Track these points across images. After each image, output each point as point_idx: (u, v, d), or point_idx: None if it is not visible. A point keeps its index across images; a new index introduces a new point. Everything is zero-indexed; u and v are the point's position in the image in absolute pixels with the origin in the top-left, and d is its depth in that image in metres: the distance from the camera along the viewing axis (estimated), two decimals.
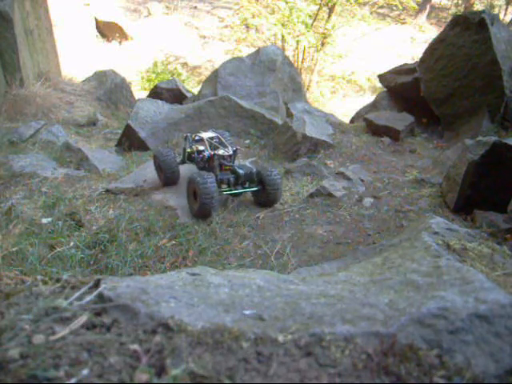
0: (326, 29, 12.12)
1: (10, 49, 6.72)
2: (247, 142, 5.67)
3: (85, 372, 0.64)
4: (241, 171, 3.63)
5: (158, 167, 4.02)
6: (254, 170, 3.69)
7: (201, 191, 3.25)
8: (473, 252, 1.27)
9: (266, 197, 3.65)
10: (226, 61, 7.63)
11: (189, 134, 4.09)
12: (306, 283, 1.13)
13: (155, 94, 8.11)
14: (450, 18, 7.24)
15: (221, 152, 3.70)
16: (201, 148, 3.86)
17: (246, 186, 3.69)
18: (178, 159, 4.08)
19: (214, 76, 7.35)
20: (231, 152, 3.73)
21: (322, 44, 12.57)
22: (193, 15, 17.72)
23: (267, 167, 3.80)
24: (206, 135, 3.96)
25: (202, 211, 3.37)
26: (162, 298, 0.87)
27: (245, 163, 4.29)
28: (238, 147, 4.03)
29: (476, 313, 0.84)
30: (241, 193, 3.72)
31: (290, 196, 3.96)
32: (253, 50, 9.15)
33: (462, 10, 17.80)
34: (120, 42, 15.15)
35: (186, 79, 13.47)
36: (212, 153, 3.68)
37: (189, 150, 4.03)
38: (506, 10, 18.64)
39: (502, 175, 3.37)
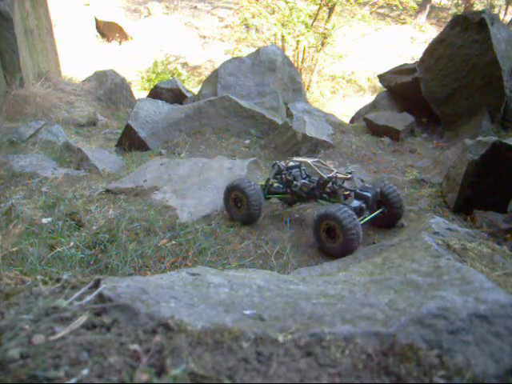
0: (326, 29, 12.13)
1: (10, 49, 6.72)
2: (247, 141, 5.67)
3: (85, 372, 0.64)
4: (368, 194, 3.04)
5: (233, 201, 3.34)
6: (378, 188, 3.12)
7: (345, 228, 2.69)
8: (473, 252, 1.27)
9: (390, 217, 3.18)
10: (226, 61, 7.63)
11: (277, 162, 3.51)
12: (306, 283, 1.13)
13: (155, 93, 8.11)
14: (450, 18, 7.25)
15: (340, 175, 3.11)
16: (296, 173, 3.33)
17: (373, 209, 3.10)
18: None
19: (214, 76, 7.36)
20: (350, 175, 3.14)
21: (322, 44, 12.58)
22: (193, 15, 17.72)
23: (382, 181, 3.27)
24: (303, 160, 3.37)
25: (346, 248, 2.76)
26: (162, 298, 0.87)
27: (363, 184, 3.57)
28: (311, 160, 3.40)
29: (476, 313, 0.84)
30: (369, 220, 3.07)
31: None
32: (253, 49, 9.15)
33: (462, 9, 17.80)
34: (120, 42, 15.16)
35: (186, 79, 13.47)
36: (333, 175, 3.08)
37: (283, 177, 3.36)
38: (506, 9, 18.65)
39: (502, 175, 3.37)
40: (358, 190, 3.10)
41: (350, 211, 2.75)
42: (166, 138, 5.69)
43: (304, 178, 3.40)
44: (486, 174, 3.44)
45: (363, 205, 3.00)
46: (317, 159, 3.41)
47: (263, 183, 3.47)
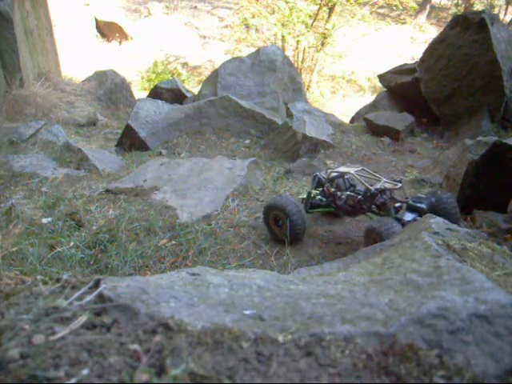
0: (326, 29, 12.13)
1: (10, 49, 6.73)
2: (247, 141, 5.67)
3: (85, 372, 0.64)
4: (422, 205, 2.78)
5: (274, 220, 3.07)
6: (433, 198, 2.84)
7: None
8: (473, 252, 1.27)
9: None
10: (226, 61, 7.63)
11: (318, 173, 3.29)
12: (306, 283, 1.13)
13: (155, 93, 8.11)
14: (450, 18, 7.25)
15: (389, 185, 2.83)
16: (339, 183, 3.13)
17: None
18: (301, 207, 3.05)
19: (214, 76, 7.36)
20: (400, 184, 2.85)
21: (322, 44, 12.58)
22: (193, 15, 17.71)
23: (436, 190, 2.97)
24: (346, 170, 3.12)
25: None
26: (162, 298, 0.87)
27: (416, 193, 3.26)
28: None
29: (476, 313, 0.84)
30: None
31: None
32: (253, 50, 9.15)
33: (462, 9, 17.80)
34: (120, 42, 15.15)
35: (186, 79, 13.48)
36: (382, 187, 2.80)
37: (325, 190, 3.12)
38: (506, 9, 18.65)
39: (502, 175, 3.37)
40: (410, 202, 2.83)
41: (398, 227, 2.51)
42: (166, 138, 5.69)
43: (348, 189, 3.15)
44: (486, 174, 3.44)
45: (418, 218, 2.68)
46: (360, 168, 3.13)
47: (304, 197, 3.23)
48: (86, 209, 3.64)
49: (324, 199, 3.15)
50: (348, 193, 3.03)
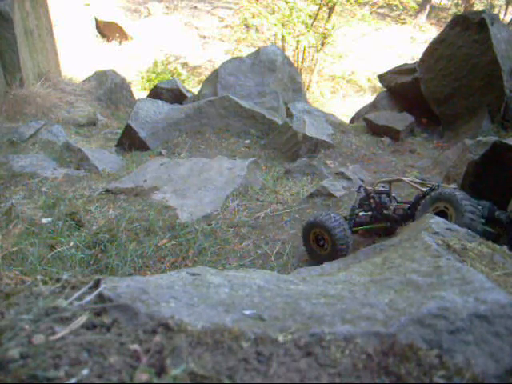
0: (326, 29, 12.13)
1: (10, 49, 6.73)
2: (247, 141, 5.67)
3: (85, 372, 0.64)
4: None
5: (315, 239, 2.87)
6: (488, 203, 2.70)
7: None
8: (473, 252, 1.27)
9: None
10: (226, 61, 7.63)
11: (362, 185, 3.14)
12: (306, 283, 1.13)
13: (155, 93, 8.11)
14: (449, 18, 7.25)
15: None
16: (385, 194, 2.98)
17: None
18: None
19: (214, 76, 7.36)
20: (455, 185, 2.67)
21: (322, 44, 12.58)
22: (193, 15, 17.71)
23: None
24: (397, 178, 3.03)
25: None
26: (162, 298, 0.87)
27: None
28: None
29: (476, 313, 0.84)
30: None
31: (290, 196, 3.96)
32: (253, 50, 9.16)
33: (462, 9, 17.80)
34: (120, 42, 15.15)
35: (186, 79, 13.47)
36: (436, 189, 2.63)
37: (371, 202, 2.95)
38: (506, 9, 18.64)
39: (502, 175, 3.37)
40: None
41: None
42: (166, 138, 5.69)
43: (395, 201, 3.03)
44: (486, 174, 3.44)
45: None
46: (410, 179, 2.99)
47: (347, 215, 3.02)
48: (86, 209, 3.64)
49: (369, 214, 2.98)
50: (396, 204, 2.92)
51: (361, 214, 2.99)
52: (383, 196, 3.02)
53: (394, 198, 3.08)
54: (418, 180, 2.92)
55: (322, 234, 2.79)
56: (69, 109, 7.69)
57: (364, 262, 1.38)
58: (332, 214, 2.78)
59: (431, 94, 6.14)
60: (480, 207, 2.54)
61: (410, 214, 2.75)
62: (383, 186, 3.11)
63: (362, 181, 4.33)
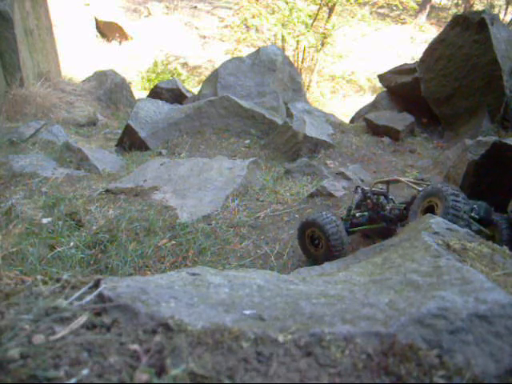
0: (326, 29, 12.13)
1: (10, 49, 6.72)
2: (247, 141, 5.67)
3: (85, 372, 0.64)
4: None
5: (310, 238, 2.84)
6: (484, 203, 2.65)
7: None
8: (473, 252, 1.26)
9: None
10: (226, 61, 7.63)
11: (360, 186, 3.13)
12: (306, 283, 1.13)
13: (155, 93, 8.11)
14: (449, 18, 7.25)
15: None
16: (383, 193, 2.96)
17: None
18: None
19: (214, 76, 7.35)
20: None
21: (322, 44, 12.58)
22: (193, 15, 17.72)
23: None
24: (396, 178, 3.02)
25: None
26: (162, 298, 0.87)
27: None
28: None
29: (476, 313, 0.84)
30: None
31: (290, 196, 3.96)
32: (253, 50, 9.15)
33: (462, 10, 17.79)
34: (120, 42, 15.15)
35: (186, 79, 13.48)
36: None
37: (368, 202, 2.92)
38: (506, 9, 18.63)
39: (502, 175, 3.37)
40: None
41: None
42: (166, 138, 5.69)
43: (392, 201, 3.01)
44: (486, 174, 3.44)
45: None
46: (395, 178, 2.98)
47: (343, 216, 2.99)
48: (86, 209, 3.63)
49: (366, 214, 2.95)
50: (392, 204, 2.91)
51: (357, 214, 2.97)
52: (380, 196, 3.00)
53: (392, 199, 3.06)
54: (415, 180, 2.90)
55: (316, 233, 2.76)
56: (69, 109, 7.69)
57: (364, 262, 1.38)
58: (323, 212, 2.75)
59: (431, 94, 6.14)
60: (475, 206, 2.55)
61: (406, 214, 2.72)
62: (381, 188, 3.10)
63: (362, 181, 4.33)
